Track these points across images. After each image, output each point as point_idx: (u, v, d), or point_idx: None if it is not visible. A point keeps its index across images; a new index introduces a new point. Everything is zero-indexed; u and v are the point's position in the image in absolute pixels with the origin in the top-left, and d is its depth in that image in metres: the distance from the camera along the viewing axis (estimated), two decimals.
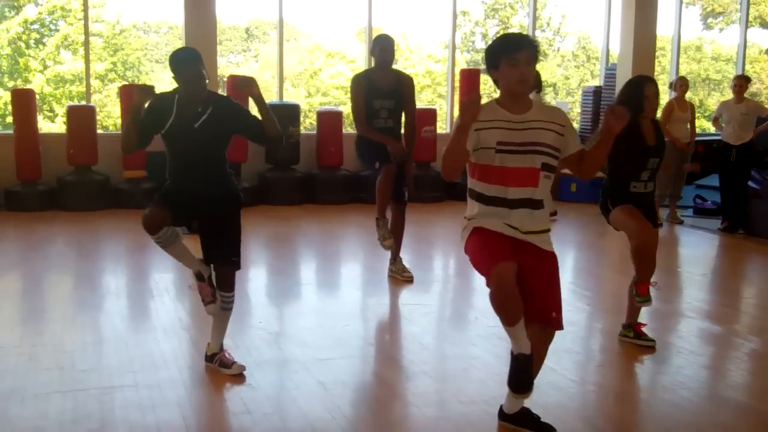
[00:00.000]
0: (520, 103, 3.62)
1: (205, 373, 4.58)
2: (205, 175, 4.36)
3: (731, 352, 5.36)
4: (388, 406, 4.23)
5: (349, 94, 6.63)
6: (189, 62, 4.27)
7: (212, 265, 4.54)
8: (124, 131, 4.53)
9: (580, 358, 5.09)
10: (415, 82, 6.95)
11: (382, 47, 6.43)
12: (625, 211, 5.06)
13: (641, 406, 4.32)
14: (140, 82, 16.91)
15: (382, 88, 6.41)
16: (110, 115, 17.50)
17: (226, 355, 4.60)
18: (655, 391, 4.60)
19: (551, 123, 3.62)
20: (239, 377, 4.45)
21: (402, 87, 6.47)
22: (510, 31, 19.35)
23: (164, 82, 20.43)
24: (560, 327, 3.72)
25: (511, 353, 3.62)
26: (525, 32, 6.81)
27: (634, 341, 5.16)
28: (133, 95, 4.41)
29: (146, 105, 4.39)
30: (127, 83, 15.68)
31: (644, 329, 5.19)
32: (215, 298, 4.54)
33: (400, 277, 6.75)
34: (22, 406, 4.02)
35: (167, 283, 6.57)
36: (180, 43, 9.73)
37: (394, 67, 6.64)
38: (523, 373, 3.59)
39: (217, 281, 4.53)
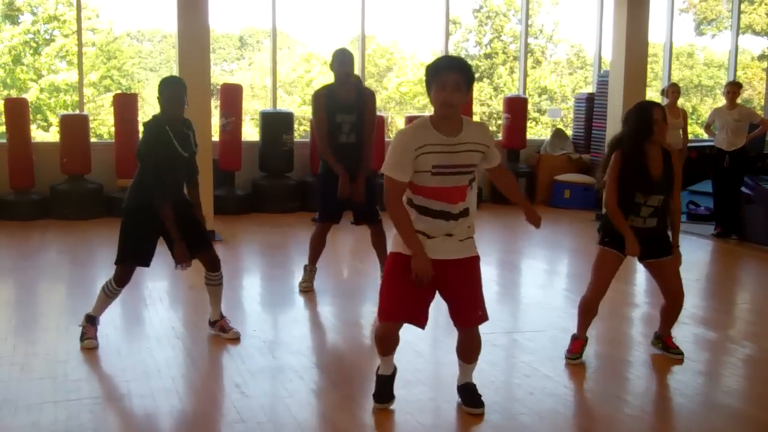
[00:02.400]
0: (450, 125, 3.77)
1: (199, 383, 4.56)
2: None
3: (726, 358, 5.36)
4: (383, 414, 4.21)
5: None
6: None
7: (200, 254, 5.19)
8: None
9: (574, 365, 5.08)
10: (407, 90, 6.93)
11: (341, 61, 6.38)
12: (602, 257, 4.92)
13: (636, 413, 4.32)
14: (132, 92, 16.92)
15: (343, 102, 6.33)
16: (104, 124, 17.49)
17: (227, 321, 5.32)
18: (650, 398, 4.60)
19: (479, 144, 3.84)
20: (233, 388, 4.44)
21: (362, 101, 6.40)
22: (503, 39, 19.42)
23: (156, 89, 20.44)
24: (486, 319, 4.08)
25: (376, 372, 4.28)
26: (518, 40, 6.82)
27: (663, 353, 5.14)
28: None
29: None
30: (120, 92, 15.69)
31: (641, 335, 5.18)
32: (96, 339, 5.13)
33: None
34: (14, 417, 4.00)
35: (161, 292, 6.55)
36: (173, 52, 9.72)
37: (360, 80, 6.63)
38: (384, 388, 4.24)
39: (207, 265, 5.24)
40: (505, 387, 4.72)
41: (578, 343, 5.06)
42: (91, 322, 5.16)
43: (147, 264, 5.14)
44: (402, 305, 3.96)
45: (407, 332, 5.63)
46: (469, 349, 4.17)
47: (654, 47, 14.93)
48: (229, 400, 4.29)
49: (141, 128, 6.87)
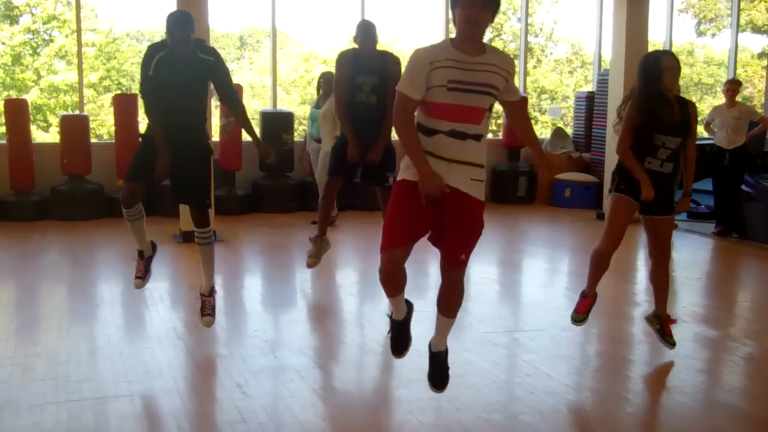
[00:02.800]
0: (473, 45, 3.64)
1: (201, 383, 4.57)
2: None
3: (727, 356, 5.36)
4: (383, 413, 4.22)
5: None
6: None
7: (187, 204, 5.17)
8: None
9: (576, 363, 5.08)
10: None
11: (365, 33, 6.40)
12: (617, 204, 4.95)
13: (637, 411, 4.32)
14: (131, 91, 16.93)
15: (366, 64, 6.32)
16: (104, 124, 17.48)
17: (209, 302, 5.24)
18: (651, 396, 4.60)
19: (501, 69, 3.68)
20: (229, 387, 4.45)
21: (385, 64, 6.37)
22: (502, 37, 19.42)
23: None
24: (464, 266, 3.85)
25: (389, 316, 4.16)
26: (518, 38, 6.84)
27: (657, 335, 5.15)
28: None
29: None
30: (120, 92, 15.69)
31: (642, 333, 5.18)
32: (144, 277, 5.40)
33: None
34: (15, 418, 4.00)
35: (162, 292, 6.55)
36: None
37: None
38: (399, 334, 4.14)
39: (193, 219, 5.12)
40: (507, 386, 4.73)
41: (586, 302, 5.05)
42: (140, 255, 5.42)
43: (144, 183, 5.08)
44: (406, 230, 3.73)
45: None
46: (446, 297, 3.96)
47: (654, 46, 14.91)
48: (231, 400, 4.29)
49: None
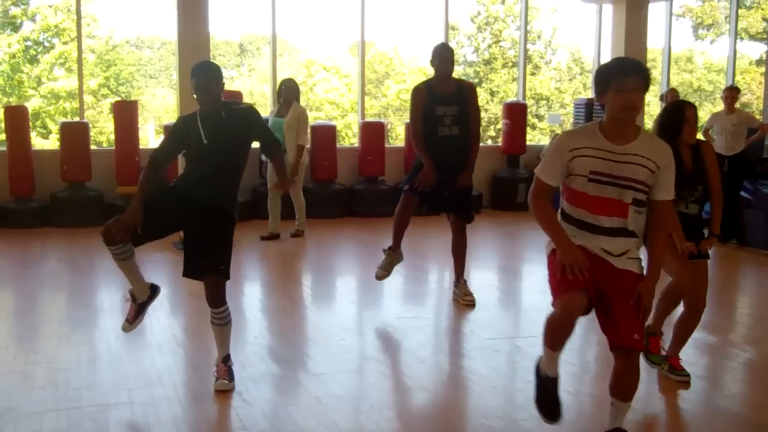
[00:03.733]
0: (623, 132, 3.46)
1: (201, 390, 4.56)
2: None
3: (727, 363, 5.36)
4: (384, 420, 4.21)
5: (340, 110, 6.58)
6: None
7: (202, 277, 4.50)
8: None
9: (575, 369, 5.08)
10: (407, 97, 6.90)
11: (442, 58, 6.35)
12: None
13: (637, 418, 4.31)
14: (131, 98, 16.94)
15: (444, 94, 6.30)
16: (103, 131, 17.50)
17: (223, 370, 4.57)
18: (651, 402, 4.60)
19: (648, 160, 3.45)
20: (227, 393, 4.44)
21: (463, 94, 6.35)
22: (501, 44, 19.45)
23: (156, 96, 20.45)
24: (642, 347, 3.60)
25: (537, 371, 3.71)
26: (517, 45, 6.86)
27: (668, 375, 4.90)
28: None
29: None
30: (120, 99, 15.70)
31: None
32: (133, 321, 4.81)
33: (462, 300, 6.51)
34: (15, 425, 4.00)
35: (161, 299, 6.50)
36: (173, 59, 9.74)
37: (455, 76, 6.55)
38: (548, 393, 3.66)
39: (207, 296, 4.51)
40: (507, 392, 4.72)
41: (657, 340, 4.94)
42: (132, 298, 4.84)
43: (135, 241, 4.46)
44: (576, 279, 3.40)
45: (408, 338, 5.66)
46: (622, 381, 3.61)
47: (653, 52, 14.95)
48: (231, 407, 4.29)
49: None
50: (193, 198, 4.48)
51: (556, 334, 3.52)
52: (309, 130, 9.96)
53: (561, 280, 3.45)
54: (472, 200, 6.68)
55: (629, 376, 3.58)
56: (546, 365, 3.64)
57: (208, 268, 4.46)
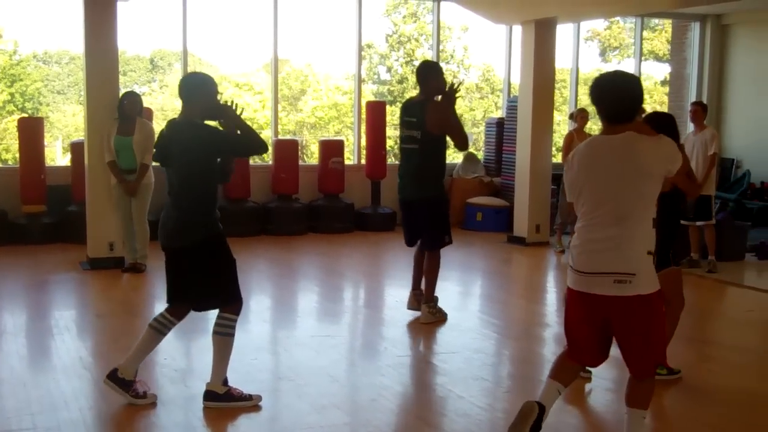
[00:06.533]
0: None
1: (107, 414, 4.44)
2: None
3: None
4: None
5: (255, 126, 6.58)
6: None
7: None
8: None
9: (488, 385, 5.14)
10: (323, 114, 6.96)
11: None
12: (675, 274, 5.04)
13: None
14: (39, 115, 16.47)
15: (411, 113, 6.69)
16: (8, 149, 16.94)
17: (233, 391, 4.60)
18: (562, 416, 4.68)
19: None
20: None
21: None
22: (414, 63, 19.63)
23: (65, 113, 19.94)
24: (644, 376, 3.84)
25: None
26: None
27: (666, 377, 5.04)
28: None
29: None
30: (25, 116, 15.25)
31: (552, 354, 5.21)
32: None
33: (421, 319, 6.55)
34: None
35: (68, 321, 6.36)
36: (81, 75, 9.51)
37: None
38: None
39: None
40: (419, 409, 4.74)
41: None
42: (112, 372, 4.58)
43: (170, 302, 4.67)
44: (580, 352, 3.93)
45: (322, 356, 5.63)
46: (632, 392, 3.89)
47: (562, 72, 15.31)
48: (136, 430, 4.18)
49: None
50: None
51: (561, 367, 3.93)
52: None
53: (568, 338, 3.91)
54: (436, 227, 6.56)
55: (641, 385, 3.84)
56: (543, 392, 3.88)
57: (218, 305, 4.70)
